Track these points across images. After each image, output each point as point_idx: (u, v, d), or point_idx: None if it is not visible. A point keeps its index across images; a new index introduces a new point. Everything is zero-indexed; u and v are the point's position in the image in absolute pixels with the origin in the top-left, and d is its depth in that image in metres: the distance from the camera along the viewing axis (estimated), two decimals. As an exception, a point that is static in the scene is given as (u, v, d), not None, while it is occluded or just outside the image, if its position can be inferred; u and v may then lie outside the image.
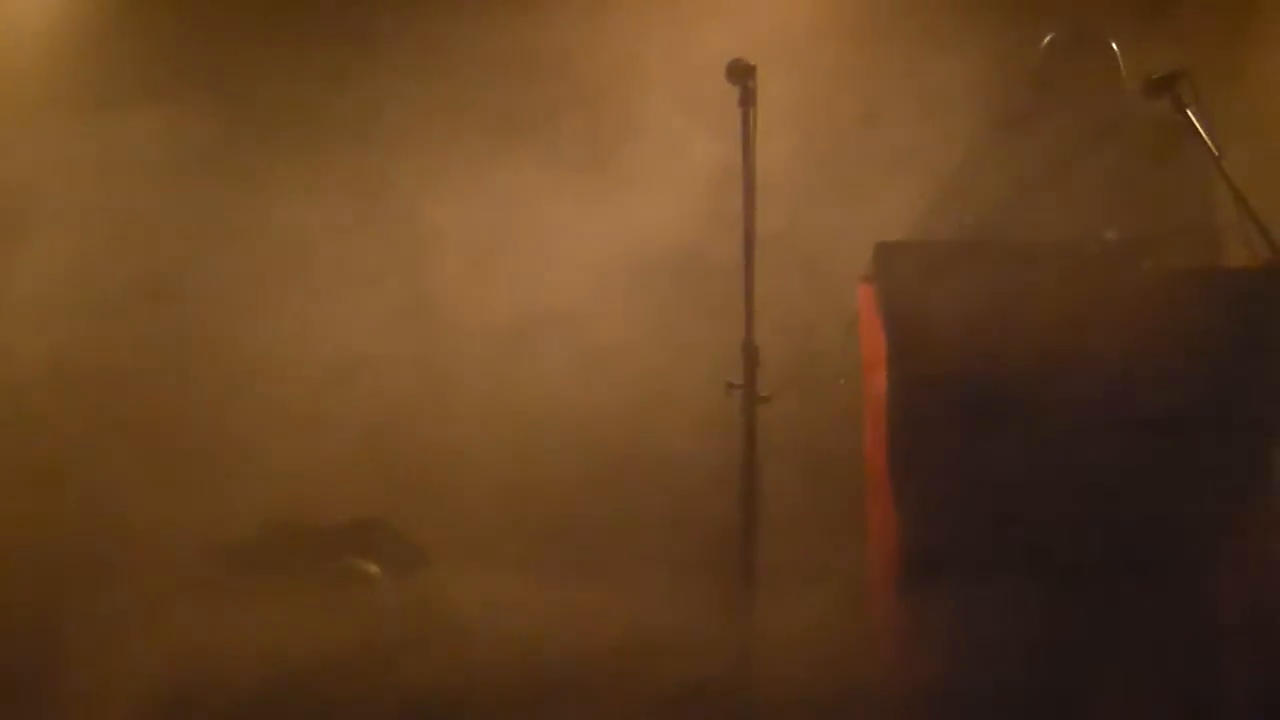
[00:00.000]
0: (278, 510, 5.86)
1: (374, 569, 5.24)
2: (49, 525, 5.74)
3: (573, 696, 4.51)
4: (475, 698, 4.54)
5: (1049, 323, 4.35)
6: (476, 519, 5.89)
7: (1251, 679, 4.35)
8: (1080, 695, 4.29)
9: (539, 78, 6.21)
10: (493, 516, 5.92)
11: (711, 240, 5.48)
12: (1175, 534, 4.32)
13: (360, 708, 4.55)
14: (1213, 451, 4.36)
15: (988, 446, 4.32)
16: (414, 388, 6.17)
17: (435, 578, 5.63)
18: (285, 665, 4.65)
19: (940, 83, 5.90)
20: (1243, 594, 4.38)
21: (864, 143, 5.99)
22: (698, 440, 5.60)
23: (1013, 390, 4.31)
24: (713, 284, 5.53)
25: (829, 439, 5.34)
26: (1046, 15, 5.34)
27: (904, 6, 6.16)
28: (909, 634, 4.35)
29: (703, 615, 4.73)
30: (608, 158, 6.03)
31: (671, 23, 6.12)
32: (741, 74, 4.52)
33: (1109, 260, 4.49)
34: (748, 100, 4.52)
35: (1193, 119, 4.56)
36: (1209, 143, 4.54)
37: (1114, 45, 5.10)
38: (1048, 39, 5.12)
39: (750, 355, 4.49)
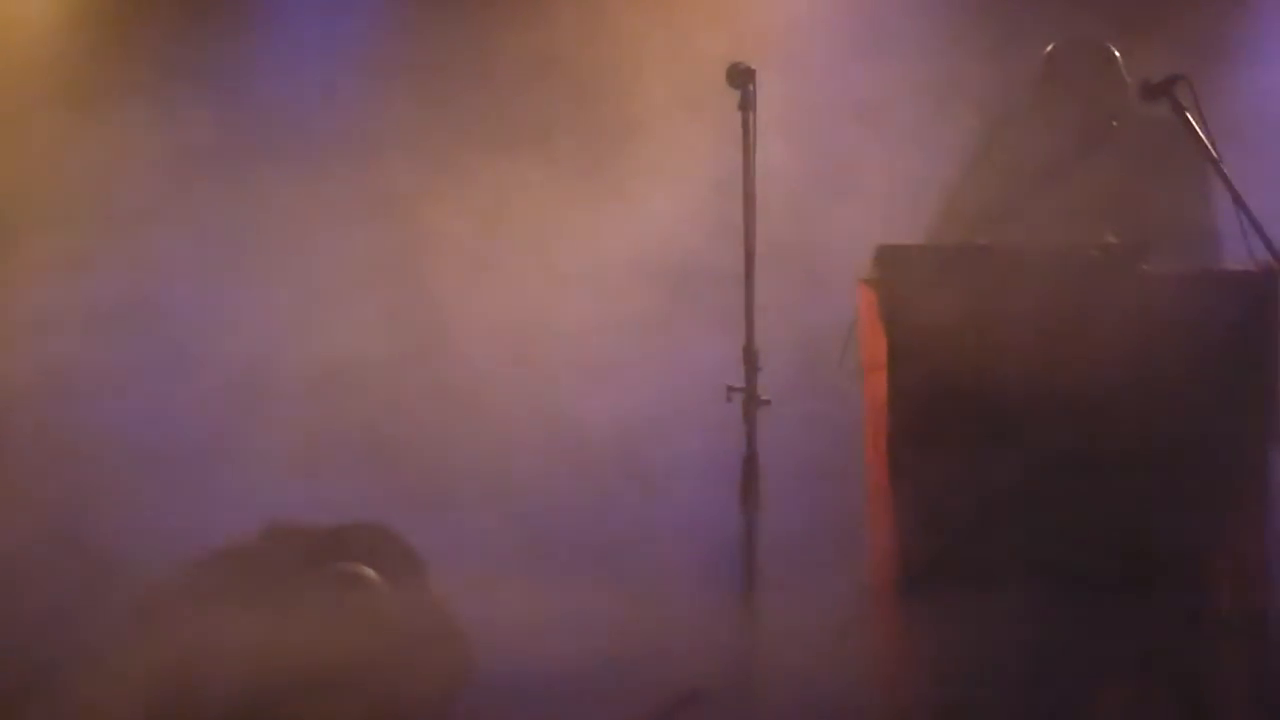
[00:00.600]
0: (274, 513, 5.85)
1: (370, 573, 5.22)
2: (49, 526, 5.73)
3: (571, 703, 4.50)
4: (474, 704, 4.54)
5: (1049, 326, 4.35)
6: (474, 523, 5.87)
7: (1251, 687, 4.35)
8: (1080, 705, 4.28)
9: (537, 81, 6.20)
10: (491, 520, 5.91)
11: (711, 243, 5.48)
12: (1175, 539, 4.32)
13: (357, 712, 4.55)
14: (1213, 455, 4.36)
15: (988, 450, 4.32)
16: (412, 391, 6.16)
17: (433, 582, 5.61)
18: (280, 670, 4.64)
19: (943, 85, 5.90)
20: (1242, 601, 4.38)
21: (865, 145, 5.98)
22: (697, 444, 5.59)
23: (1013, 393, 4.31)
24: (712, 287, 5.53)
25: (829, 442, 5.34)
26: (1049, 19, 5.35)
27: (908, 9, 6.16)
28: (909, 639, 4.35)
29: (703, 621, 4.72)
30: (606, 161, 6.03)
31: (671, 25, 6.12)
32: (741, 78, 4.52)
33: (1109, 264, 4.49)
34: (747, 104, 4.52)
35: (1191, 122, 4.57)
36: (1208, 145, 4.54)
37: (1116, 52, 5.12)
38: (1050, 47, 5.13)
39: (750, 359, 4.49)
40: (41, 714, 4.52)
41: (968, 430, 4.33)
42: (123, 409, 6.04)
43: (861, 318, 4.60)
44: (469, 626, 4.92)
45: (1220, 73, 5.82)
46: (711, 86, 4.57)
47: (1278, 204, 4.55)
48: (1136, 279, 4.46)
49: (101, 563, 5.41)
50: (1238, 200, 4.47)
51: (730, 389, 4.47)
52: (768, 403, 4.46)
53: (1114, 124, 5.07)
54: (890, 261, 4.48)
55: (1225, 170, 4.52)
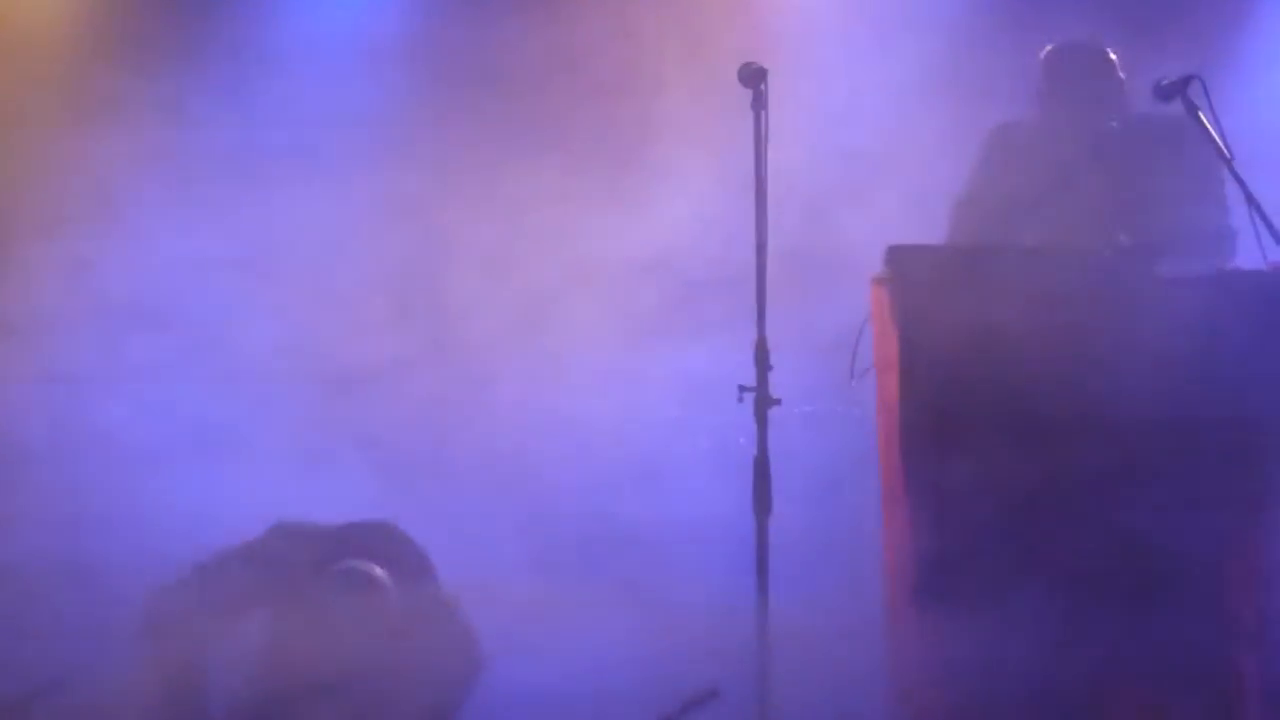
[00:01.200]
0: (283, 512, 5.85)
1: (380, 573, 5.21)
2: (49, 527, 5.74)
3: (582, 705, 4.50)
4: (483, 704, 4.54)
5: (1062, 326, 4.34)
6: (484, 524, 5.87)
7: (1266, 686, 4.34)
8: (1098, 707, 4.27)
9: (553, 82, 6.21)
10: (502, 521, 5.91)
11: (723, 242, 5.47)
12: (1189, 543, 4.31)
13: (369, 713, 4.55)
14: (1228, 458, 4.35)
15: (1001, 451, 4.30)
16: (422, 391, 6.16)
17: (443, 582, 5.61)
18: (289, 670, 4.64)
19: (956, 86, 5.90)
20: (1258, 605, 4.36)
21: (877, 145, 5.99)
22: (708, 444, 5.59)
23: (1026, 394, 4.30)
24: (724, 287, 5.52)
25: (841, 443, 5.33)
26: (1065, 20, 5.35)
27: (922, 11, 6.16)
28: (922, 641, 4.33)
29: (716, 621, 4.72)
30: (620, 161, 6.04)
31: (688, 26, 6.12)
32: (753, 77, 4.51)
33: (1122, 264, 4.49)
34: (760, 103, 4.51)
35: (1204, 122, 4.56)
36: (1221, 145, 4.54)
37: (1111, 53, 5.12)
38: (1046, 50, 5.14)
39: (762, 358, 4.47)
40: (49, 717, 4.52)
41: (980, 430, 4.31)
42: (126, 409, 6.04)
43: (873, 318, 4.59)
44: (479, 627, 4.92)
45: (1233, 72, 5.82)
46: (727, 87, 4.55)
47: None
48: (1150, 280, 4.45)
49: (105, 564, 5.41)
50: (1251, 200, 4.46)
51: (742, 388, 4.46)
52: (779, 402, 4.44)
53: (1113, 124, 5.09)
54: (902, 262, 4.46)
55: (1238, 170, 4.52)
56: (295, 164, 6.21)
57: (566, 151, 6.14)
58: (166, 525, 5.61)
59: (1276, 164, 4.98)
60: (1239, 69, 6.04)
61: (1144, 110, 5.00)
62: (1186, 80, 4.60)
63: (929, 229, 5.02)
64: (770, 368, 4.45)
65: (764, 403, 4.43)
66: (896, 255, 4.48)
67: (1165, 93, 4.63)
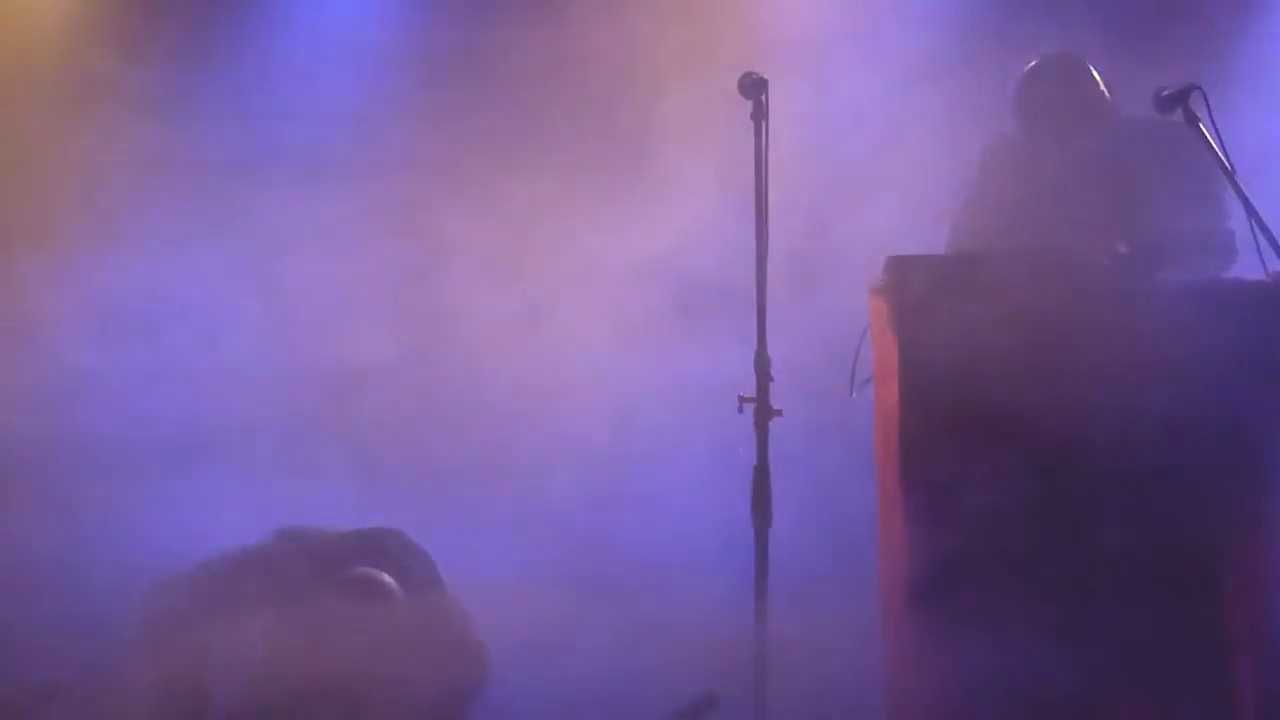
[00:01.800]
0: (280, 516, 5.86)
1: (388, 579, 5.22)
2: (47, 528, 5.74)
3: (584, 710, 4.51)
4: (488, 710, 4.54)
5: (1061, 335, 4.34)
6: (484, 531, 5.88)
7: (1262, 692, 4.35)
8: (1095, 711, 4.28)
9: (552, 88, 6.21)
10: (498, 527, 5.91)
11: (723, 252, 5.47)
12: (1189, 548, 4.32)
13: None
14: (1224, 463, 4.35)
15: (999, 459, 4.31)
16: (420, 397, 6.16)
17: (448, 587, 5.62)
18: (294, 675, 4.65)
19: (954, 96, 5.90)
20: (1252, 605, 4.37)
21: (877, 156, 5.99)
22: (709, 454, 5.59)
23: (1024, 402, 4.30)
24: (724, 296, 5.52)
25: (840, 452, 5.34)
26: (1062, 31, 5.35)
27: (921, 20, 6.16)
28: (921, 648, 4.34)
29: (716, 628, 4.72)
30: (620, 169, 6.04)
31: (687, 34, 6.12)
32: (754, 88, 4.51)
33: (1121, 273, 4.49)
34: (760, 113, 4.51)
35: (1205, 132, 4.57)
36: (1221, 155, 4.54)
37: (1091, 68, 5.13)
38: (1029, 64, 5.15)
39: (762, 368, 4.47)
40: (49, 718, 4.52)
41: (979, 439, 4.32)
42: (128, 412, 6.04)
43: (872, 327, 4.59)
44: (482, 631, 4.93)
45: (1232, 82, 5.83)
46: (726, 96, 4.55)
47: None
48: (1149, 288, 4.45)
49: (105, 564, 5.42)
50: (1250, 209, 4.47)
51: (742, 398, 4.46)
52: (779, 412, 4.44)
53: (1097, 135, 5.10)
54: (901, 272, 4.47)
55: (1238, 179, 4.52)
56: (293, 167, 6.21)
57: (566, 157, 6.14)
58: (163, 530, 5.61)
59: (1276, 174, 5.00)
60: (1239, 78, 6.03)
61: (1139, 116, 5.01)
62: (1187, 91, 4.60)
63: (928, 239, 5.03)
64: (771, 379, 4.45)
65: (764, 413, 4.43)
66: (895, 265, 4.49)
67: (1166, 103, 4.64)
